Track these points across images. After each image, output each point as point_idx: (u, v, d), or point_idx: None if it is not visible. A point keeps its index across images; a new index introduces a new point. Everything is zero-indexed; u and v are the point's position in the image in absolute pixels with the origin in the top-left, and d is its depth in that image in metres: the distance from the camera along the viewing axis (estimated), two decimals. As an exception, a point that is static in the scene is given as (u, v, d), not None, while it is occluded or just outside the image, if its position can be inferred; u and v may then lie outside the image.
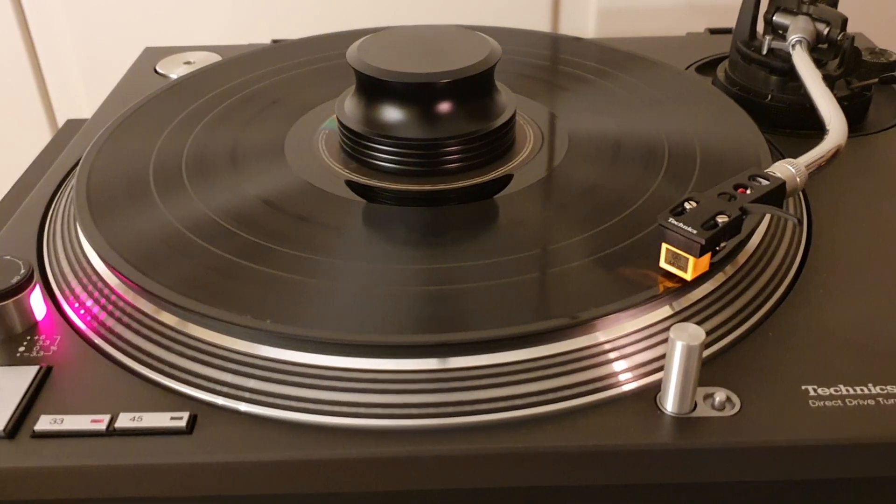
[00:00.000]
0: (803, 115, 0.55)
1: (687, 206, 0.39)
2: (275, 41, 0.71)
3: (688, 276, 0.38)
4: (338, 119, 0.48)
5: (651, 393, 0.36)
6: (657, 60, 0.60)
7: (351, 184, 0.47)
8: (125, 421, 0.34)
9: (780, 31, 0.58)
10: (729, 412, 0.35)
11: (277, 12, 0.84)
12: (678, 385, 0.34)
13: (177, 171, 0.48)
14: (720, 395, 0.35)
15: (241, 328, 0.37)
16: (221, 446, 0.34)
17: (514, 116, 0.48)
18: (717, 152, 0.49)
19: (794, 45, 0.55)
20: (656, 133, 0.51)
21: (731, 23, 0.60)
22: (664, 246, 0.38)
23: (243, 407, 0.35)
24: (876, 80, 0.57)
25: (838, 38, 0.56)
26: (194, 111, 0.54)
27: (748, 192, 0.39)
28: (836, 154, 0.44)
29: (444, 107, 0.46)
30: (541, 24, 0.88)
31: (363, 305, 0.38)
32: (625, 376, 0.36)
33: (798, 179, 0.41)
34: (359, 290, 0.39)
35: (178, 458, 0.33)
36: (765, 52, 0.58)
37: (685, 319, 0.38)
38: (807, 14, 0.57)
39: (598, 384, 0.36)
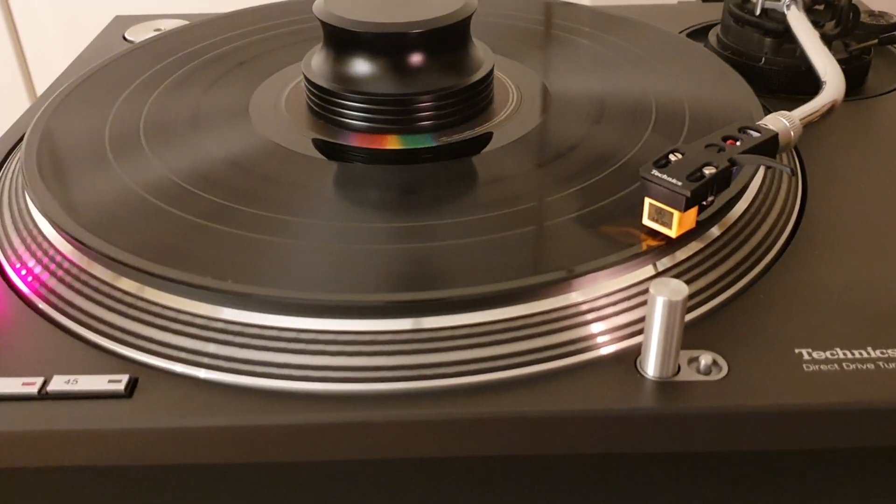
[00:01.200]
0: (798, 79, 0.53)
1: (672, 157, 0.36)
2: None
3: (672, 233, 0.35)
4: (304, 75, 0.45)
5: (631, 357, 0.33)
6: (646, 23, 0.58)
7: (318, 142, 0.44)
8: (59, 384, 0.32)
9: (775, -8, 0.55)
10: (715, 376, 0.32)
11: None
12: (660, 345, 0.31)
13: (134, 133, 0.45)
14: (706, 359, 0.33)
15: (200, 289, 0.34)
16: (163, 411, 0.31)
17: (492, 71, 0.46)
18: (707, 112, 0.46)
19: (788, 6, 0.53)
20: (643, 93, 0.48)
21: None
22: (647, 201, 0.36)
23: (203, 374, 0.33)
24: (875, 41, 0.54)
25: (835, -2, 0.53)
26: (155, 74, 0.51)
27: (738, 144, 0.37)
28: (831, 109, 0.42)
29: (417, 59, 0.43)
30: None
31: (331, 265, 0.35)
32: (603, 338, 0.34)
33: (792, 133, 0.39)
34: (327, 249, 0.36)
35: (113, 424, 0.31)
36: (758, 12, 0.55)
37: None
38: (802, -27, 0.54)
39: (575, 346, 0.33)
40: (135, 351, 0.34)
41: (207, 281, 0.34)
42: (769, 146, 0.37)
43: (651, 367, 0.32)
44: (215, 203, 0.39)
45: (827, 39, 0.51)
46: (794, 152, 0.45)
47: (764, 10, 0.55)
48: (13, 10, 0.86)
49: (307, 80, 0.45)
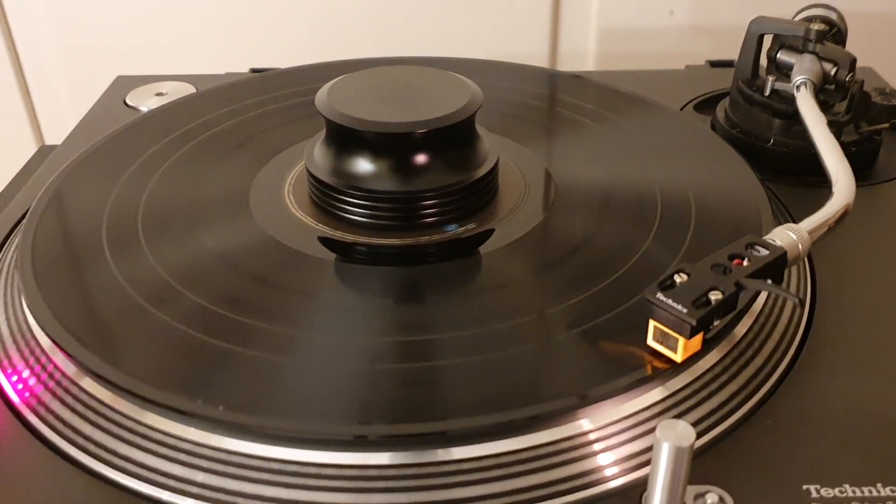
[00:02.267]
0: (807, 161, 0.52)
1: (677, 278, 0.35)
2: (253, 70, 0.68)
3: (678, 358, 0.34)
4: (307, 169, 0.45)
5: (637, 491, 0.32)
6: (654, 102, 0.57)
7: (322, 239, 0.43)
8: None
9: (785, 71, 0.55)
10: (721, 515, 0.32)
11: (259, 39, 0.81)
12: (665, 488, 0.30)
13: (132, 223, 0.44)
14: (712, 497, 0.32)
15: (190, 416, 0.33)
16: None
17: (496, 166, 0.45)
18: (713, 207, 0.45)
19: (798, 87, 0.52)
20: (649, 185, 0.47)
21: (736, 43, 0.57)
22: (652, 323, 0.35)
23: (165, 497, 0.32)
24: (887, 125, 0.53)
25: (846, 79, 0.52)
26: (155, 154, 0.51)
27: (745, 263, 0.36)
28: (843, 216, 0.41)
29: (421, 158, 0.43)
30: (540, 44, 0.85)
31: (327, 389, 0.35)
32: (610, 471, 0.33)
33: (800, 247, 0.38)
34: (326, 371, 0.35)
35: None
36: (767, 93, 0.54)
37: (675, 405, 0.35)
38: (813, 53, 0.53)
39: (581, 481, 0.33)
40: (130, 479, 0.33)
41: (197, 407, 0.33)
42: (777, 265, 0.37)
43: (656, 506, 0.31)
44: (211, 312, 0.38)
45: (837, 126, 0.50)
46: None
47: (774, 91, 0.54)
48: (19, 49, 0.86)
49: (309, 173, 0.45)
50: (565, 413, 0.33)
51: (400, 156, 0.43)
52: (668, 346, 0.35)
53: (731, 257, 0.36)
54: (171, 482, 0.32)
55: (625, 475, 0.33)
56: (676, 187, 0.47)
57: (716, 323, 0.35)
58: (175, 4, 0.80)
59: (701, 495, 0.32)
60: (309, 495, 0.32)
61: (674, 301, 0.34)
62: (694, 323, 0.33)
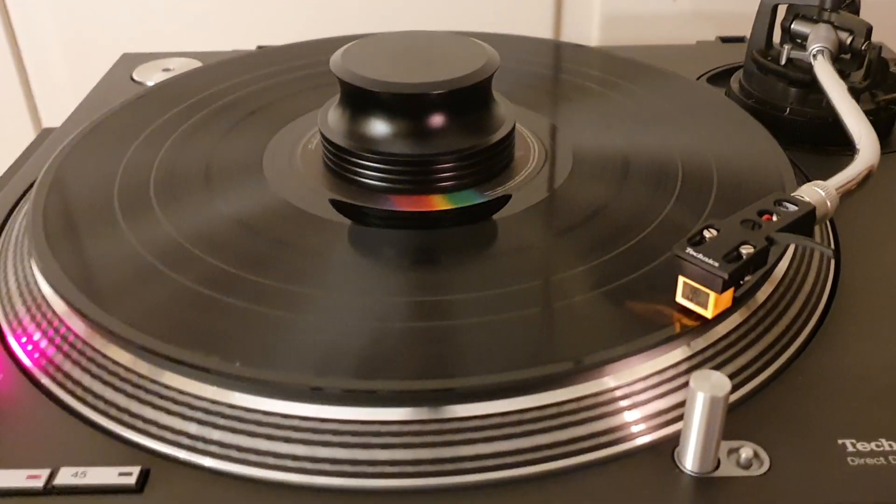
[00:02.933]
0: (825, 130, 0.51)
1: (706, 234, 0.34)
2: (260, 47, 0.67)
3: (708, 314, 0.34)
4: (321, 133, 0.44)
5: (668, 447, 0.31)
6: (667, 70, 0.56)
7: (335, 203, 0.42)
8: (66, 477, 0.30)
9: (799, 40, 0.54)
10: (757, 471, 0.31)
11: (265, 17, 0.80)
12: (699, 441, 0.30)
13: (144, 189, 0.43)
14: (747, 451, 0.31)
15: (206, 372, 0.32)
16: (176, 508, 0.30)
17: (513, 130, 0.44)
18: (735, 171, 0.44)
19: (815, 55, 0.51)
20: (668, 150, 0.46)
21: (740, 31, 0.56)
22: (681, 279, 0.34)
23: (207, 462, 0.31)
24: (904, 93, 0.53)
25: (862, 47, 0.52)
26: (166, 122, 0.50)
27: (774, 218, 0.35)
28: (868, 176, 0.40)
29: (437, 120, 0.42)
30: (543, 30, 0.84)
31: (343, 346, 0.34)
32: (637, 428, 0.32)
33: (829, 204, 0.37)
34: (340, 329, 0.35)
35: (122, 524, 0.29)
36: (783, 62, 0.53)
37: (704, 362, 0.34)
38: (828, 22, 0.53)
39: (607, 437, 0.32)
40: (147, 438, 0.32)
41: (214, 363, 0.32)
42: (806, 220, 0.36)
43: (690, 461, 0.30)
44: (226, 272, 0.37)
45: (855, 93, 0.50)
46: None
47: (789, 60, 0.53)
48: (18, 36, 0.85)
49: (323, 137, 0.44)
50: (593, 370, 0.32)
51: (415, 118, 0.42)
52: (697, 303, 0.34)
53: (760, 213, 0.35)
54: (186, 440, 0.32)
55: (655, 431, 0.32)
56: (697, 153, 0.46)
57: (747, 278, 0.34)
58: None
59: (734, 450, 0.31)
60: (328, 452, 0.31)
61: (704, 255, 0.33)
62: (726, 276, 0.32)
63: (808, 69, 0.52)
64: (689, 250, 0.33)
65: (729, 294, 0.34)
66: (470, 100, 0.43)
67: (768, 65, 0.54)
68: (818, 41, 0.52)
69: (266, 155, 0.46)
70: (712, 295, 0.33)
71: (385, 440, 0.31)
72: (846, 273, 0.40)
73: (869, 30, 0.52)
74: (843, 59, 0.53)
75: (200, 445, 0.31)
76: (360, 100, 0.42)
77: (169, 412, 0.32)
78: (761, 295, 0.36)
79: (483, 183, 0.43)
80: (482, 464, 0.31)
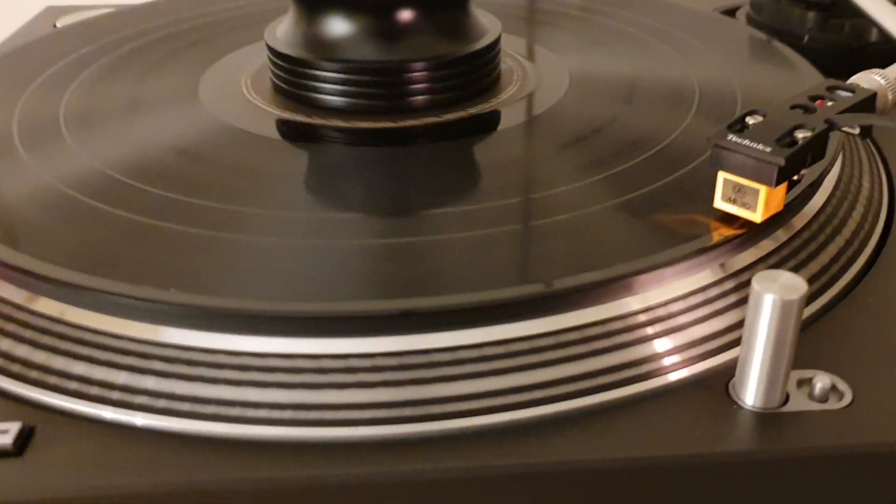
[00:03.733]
0: (848, 57, 0.45)
1: (749, 120, 0.27)
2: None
3: (757, 217, 0.27)
4: (267, 45, 0.37)
5: (719, 380, 0.24)
6: (668, 1, 0.50)
7: (288, 123, 0.35)
8: (-83, 436, 0.22)
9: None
10: (835, 404, 0.24)
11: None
12: (767, 363, 0.23)
13: (53, 122, 0.36)
14: (822, 381, 0.24)
15: (133, 302, 0.25)
16: (68, 473, 0.22)
17: (499, 39, 0.37)
18: (762, 95, 0.38)
19: (837, -30, 0.45)
20: (681, 71, 0.40)
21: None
22: (721, 177, 0.27)
23: (128, 417, 0.24)
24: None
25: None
26: (81, 57, 0.42)
27: (829, 104, 0.28)
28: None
29: (409, 17, 0.35)
30: None
31: (297, 267, 0.26)
32: (678, 357, 0.25)
33: (890, 95, 0.30)
34: (291, 248, 0.27)
35: (-10, 492, 0.21)
36: (800, -20, 0.47)
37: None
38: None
39: (641, 369, 0.24)
40: (33, 388, 0.24)
41: (145, 291, 0.25)
42: (865, 108, 0.29)
43: (752, 393, 0.23)
44: (157, 196, 0.30)
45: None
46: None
47: (805, -21, 0.47)
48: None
49: (271, 50, 0.36)
50: (615, 285, 0.25)
51: (384, 15, 0.35)
52: (743, 205, 0.27)
53: (813, 98, 0.29)
54: (98, 390, 0.24)
55: (700, 361, 0.25)
56: (715, 75, 0.39)
57: (802, 172, 0.27)
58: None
59: (806, 381, 0.24)
60: (278, 395, 0.23)
61: (752, 141, 0.26)
62: (782, 163, 0.25)
63: (828, -11, 0.46)
64: (732, 137, 0.26)
65: (781, 193, 0.27)
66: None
67: (782, -12, 0.48)
68: (838, -44, 0.46)
69: (202, 83, 0.39)
70: (763, 190, 0.26)
71: (347, 378, 0.23)
72: (904, 188, 0.34)
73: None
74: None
75: (101, 393, 0.24)
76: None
77: (64, 353, 0.25)
78: (819, 197, 0.29)
79: (466, 100, 0.36)
80: (483, 404, 0.23)
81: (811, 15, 0.47)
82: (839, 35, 0.46)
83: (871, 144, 0.37)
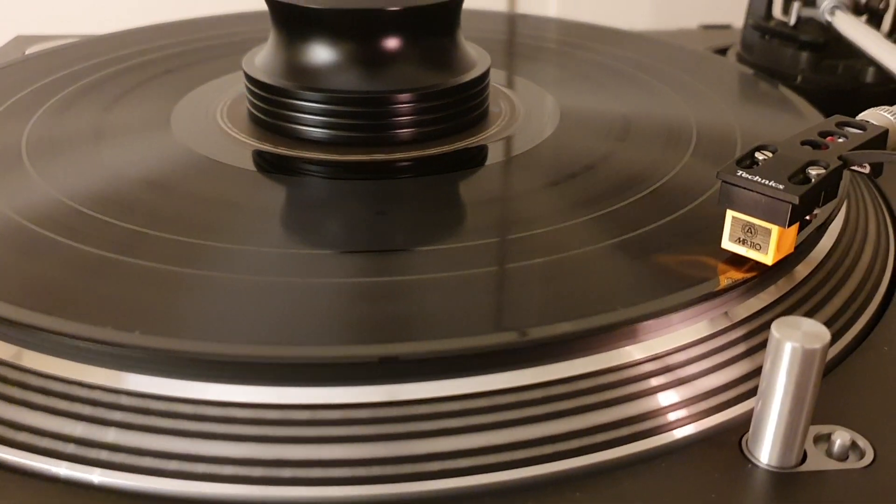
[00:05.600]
0: (842, 98, 0.44)
1: (759, 156, 0.26)
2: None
3: (768, 259, 0.25)
4: (244, 73, 0.35)
5: (730, 436, 0.22)
6: (660, 39, 0.49)
7: (264, 154, 0.33)
8: None
9: (806, 2, 0.47)
10: (856, 463, 0.22)
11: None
12: (786, 417, 0.21)
13: (14, 150, 0.33)
14: (842, 437, 0.22)
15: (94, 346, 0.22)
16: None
17: (488, 72, 0.36)
18: (762, 133, 0.36)
19: (832, 11, 0.44)
20: (677, 110, 0.38)
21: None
22: (730, 215, 0.25)
23: (62, 470, 0.21)
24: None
25: (879, 5, 0.45)
26: (46, 86, 0.40)
27: (840, 141, 0.27)
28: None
29: (394, 45, 0.33)
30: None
31: (269, 307, 0.24)
32: (685, 411, 0.23)
33: (900, 133, 0.29)
34: (264, 287, 0.25)
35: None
36: (793, 21, 0.46)
37: (763, 327, 0.25)
38: (841, -22, 0.46)
39: (645, 425, 0.22)
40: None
41: (107, 333, 0.22)
42: (877, 147, 0.28)
43: (768, 450, 0.21)
44: (123, 229, 0.28)
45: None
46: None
47: (799, 20, 0.46)
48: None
49: (249, 78, 0.35)
50: (612, 334, 0.23)
51: (368, 45, 0.33)
52: (753, 246, 0.25)
53: (823, 135, 0.27)
54: (54, 444, 0.22)
55: (710, 416, 0.23)
56: (712, 114, 0.38)
57: (816, 212, 0.26)
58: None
59: (824, 437, 0.22)
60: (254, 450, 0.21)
61: (763, 178, 0.24)
62: (796, 201, 0.24)
63: (822, 30, 0.45)
64: (742, 173, 0.25)
65: (793, 234, 0.25)
66: (435, 26, 0.34)
67: (774, 28, 0.47)
68: (832, -3, 0.45)
69: (174, 114, 0.37)
70: (775, 230, 0.24)
71: (317, 432, 0.21)
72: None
73: (886, -15, 0.45)
74: (859, 21, 0.46)
75: (56, 446, 0.21)
76: (295, 26, 0.33)
77: (15, 402, 0.22)
78: (828, 240, 0.28)
79: (452, 135, 0.34)
80: (468, 463, 0.21)
81: (804, 55, 0.46)
82: (833, 76, 0.45)
83: (872, 185, 0.36)
